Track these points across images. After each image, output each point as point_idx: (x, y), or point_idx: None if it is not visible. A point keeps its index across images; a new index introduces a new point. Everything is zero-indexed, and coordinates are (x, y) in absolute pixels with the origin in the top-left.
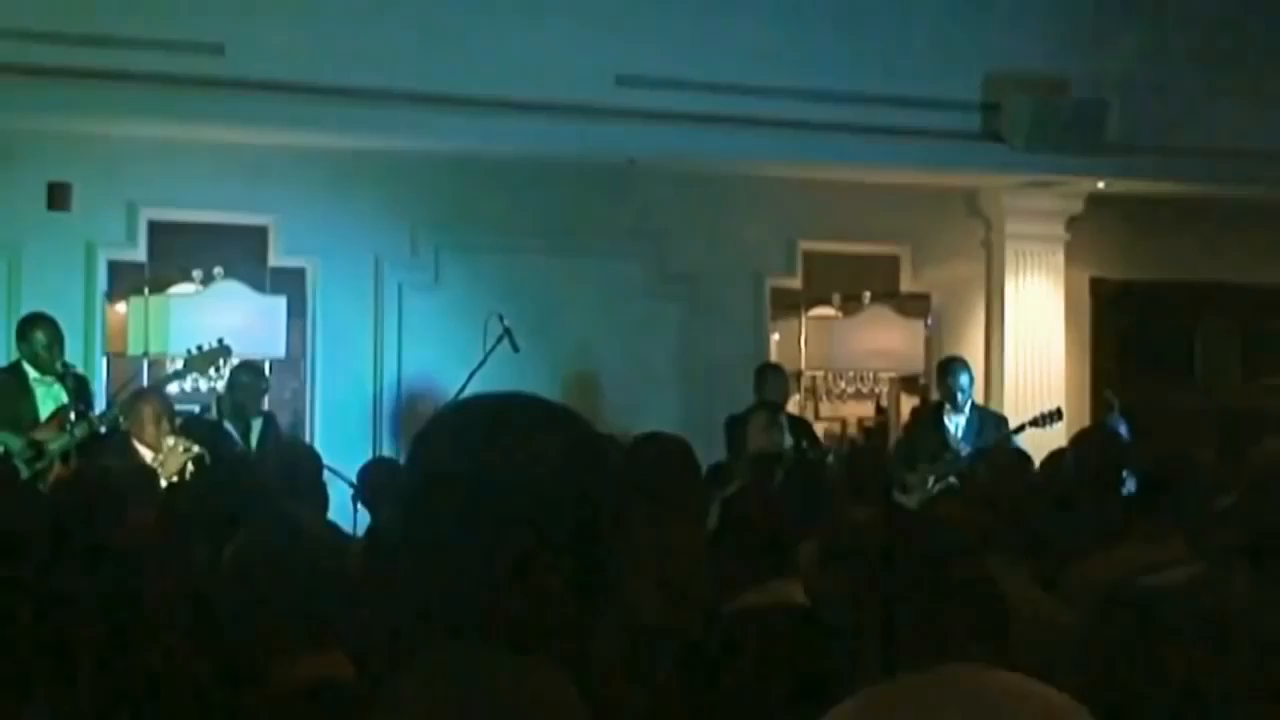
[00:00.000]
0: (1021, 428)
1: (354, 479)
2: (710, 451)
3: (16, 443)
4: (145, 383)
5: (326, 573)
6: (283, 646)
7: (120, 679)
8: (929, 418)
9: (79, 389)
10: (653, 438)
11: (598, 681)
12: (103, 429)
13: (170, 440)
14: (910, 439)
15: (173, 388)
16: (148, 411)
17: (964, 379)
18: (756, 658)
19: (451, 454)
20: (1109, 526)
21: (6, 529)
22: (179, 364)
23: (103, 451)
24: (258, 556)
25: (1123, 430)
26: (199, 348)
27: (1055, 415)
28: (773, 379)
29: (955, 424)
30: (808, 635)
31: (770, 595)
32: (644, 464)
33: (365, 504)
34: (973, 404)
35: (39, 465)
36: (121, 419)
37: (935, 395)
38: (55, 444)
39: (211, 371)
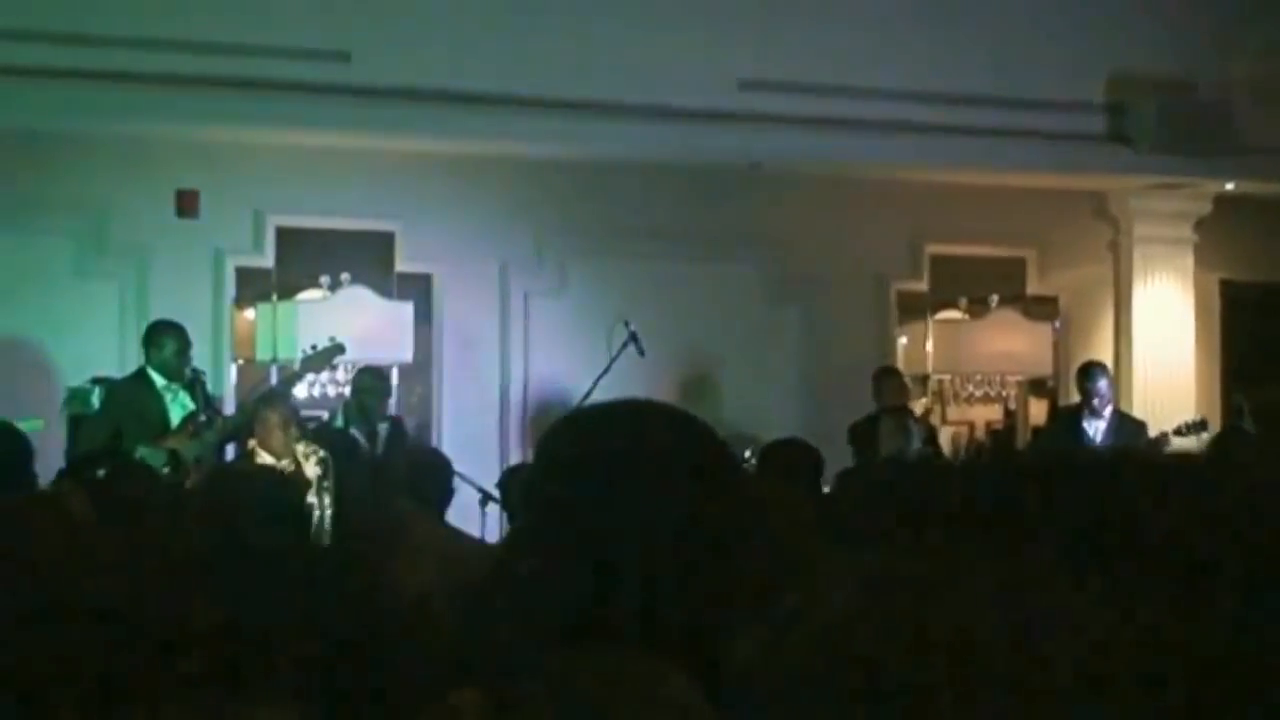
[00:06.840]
0: (1165, 436)
1: (483, 485)
2: (832, 456)
3: (159, 458)
4: (271, 386)
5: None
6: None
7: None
8: (1068, 422)
9: (204, 391)
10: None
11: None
12: (233, 432)
13: (300, 447)
14: (1048, 443)
15: (299, 392)
16: (274, 419)
17: (1103, 383)
18: None
19: (576, 462)
20: None
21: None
22: (296, 366)
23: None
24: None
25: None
26: (313, 347)
27: (1200, 425)
28: (891, 383)
29: (1094, 428)
30: None
31: None
32: (776, 468)
33: (509, 512)
34: (1113, 408)
35: (175, 475)
36: (249, 424)
37: (1064, 399)
38: (189, 451)
39: (339, 375)
